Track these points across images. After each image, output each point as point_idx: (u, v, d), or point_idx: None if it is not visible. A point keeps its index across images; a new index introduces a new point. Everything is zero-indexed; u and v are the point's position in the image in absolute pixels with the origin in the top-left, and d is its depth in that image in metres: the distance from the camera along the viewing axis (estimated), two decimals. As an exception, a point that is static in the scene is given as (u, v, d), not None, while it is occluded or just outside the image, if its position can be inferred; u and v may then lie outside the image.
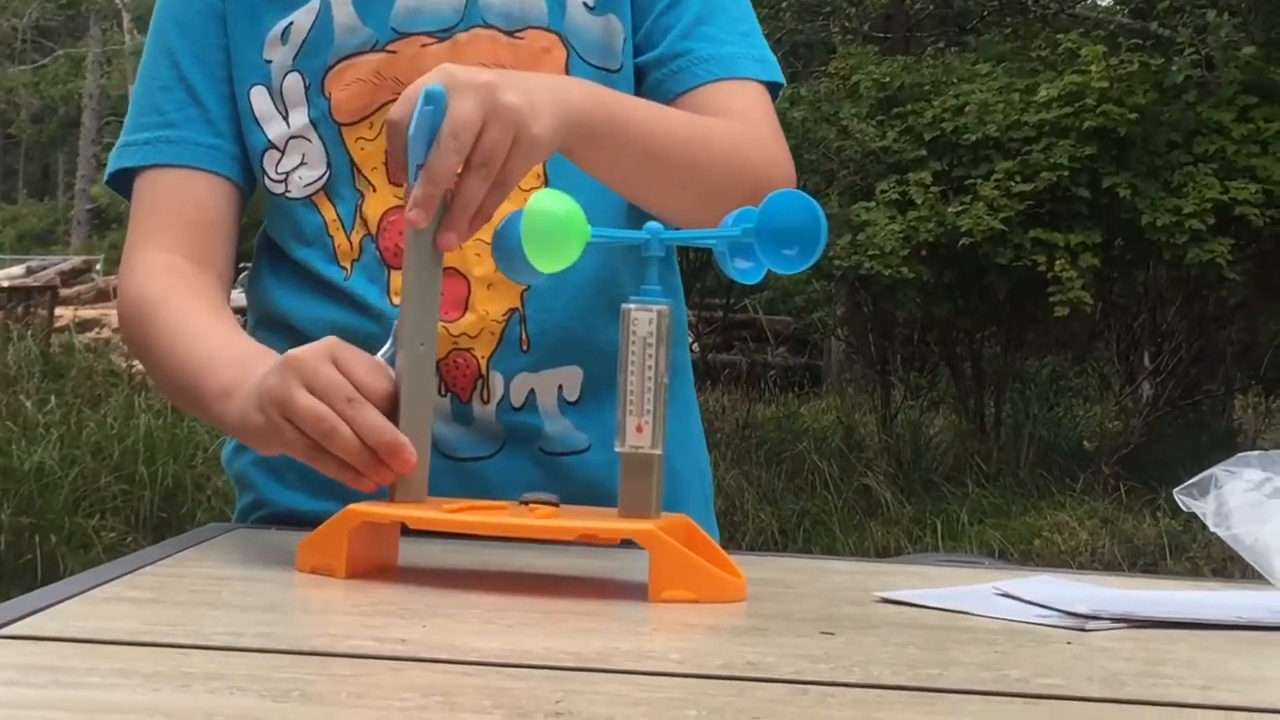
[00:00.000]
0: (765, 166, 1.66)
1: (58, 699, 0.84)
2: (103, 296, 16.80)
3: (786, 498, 9.79)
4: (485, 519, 1.30)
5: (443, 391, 1.62)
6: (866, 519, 9.45)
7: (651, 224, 1.31)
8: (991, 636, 1.16)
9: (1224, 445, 10.24)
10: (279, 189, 1.69)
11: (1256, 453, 1.27)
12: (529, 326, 1.63)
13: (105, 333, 14.30)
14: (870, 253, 9.88)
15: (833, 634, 1.13)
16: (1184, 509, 1.26)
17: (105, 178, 1.77)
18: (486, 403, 1.63)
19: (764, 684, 0.96)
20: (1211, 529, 1.26)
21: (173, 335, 1.61)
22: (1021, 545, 8.78)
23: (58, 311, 14.64)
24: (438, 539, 1.40)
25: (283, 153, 1.69)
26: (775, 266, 1.27)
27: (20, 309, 14.02)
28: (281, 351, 1.64)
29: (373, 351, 1.40)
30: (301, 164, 1.68)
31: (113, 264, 20.44)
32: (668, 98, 1.68)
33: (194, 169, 1.70)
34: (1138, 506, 9.44)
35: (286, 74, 1.68)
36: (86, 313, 15.37)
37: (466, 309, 1.62)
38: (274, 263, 1.74)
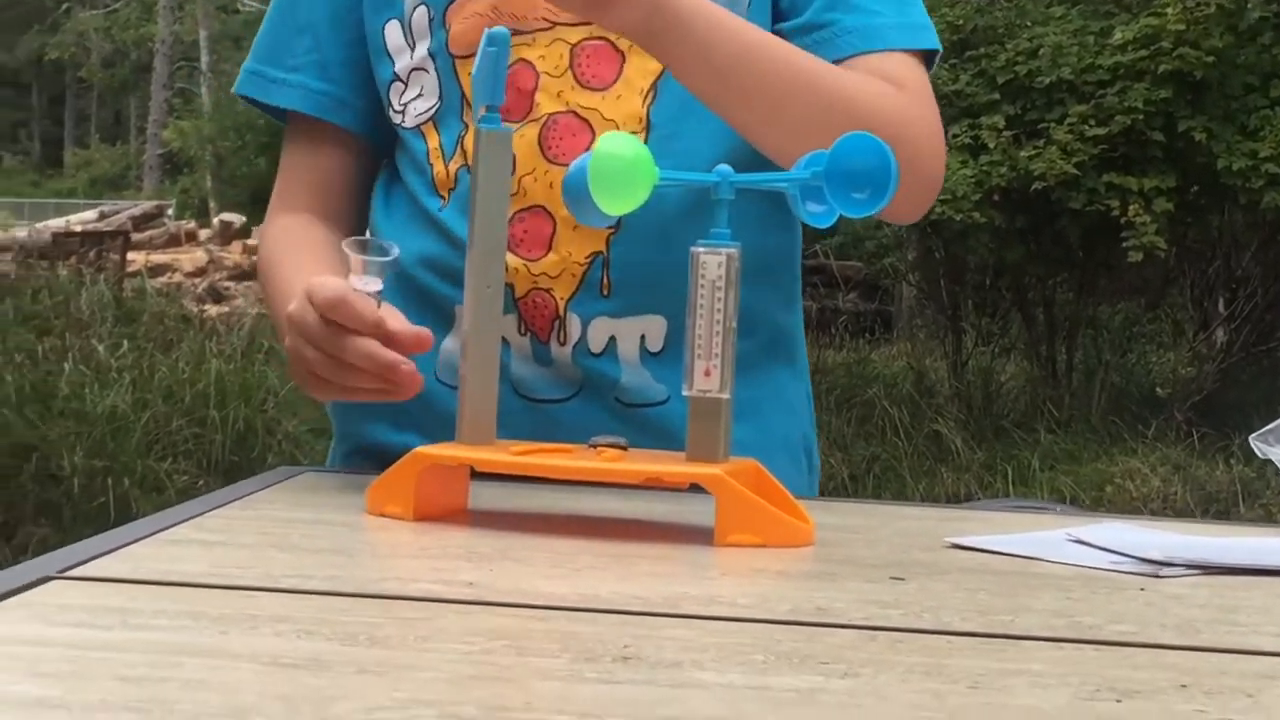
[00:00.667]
0: (901, 125, 1.57)
1: (126, 640, 0.84)
2: (174, 241, 16.91)
3: (857, 443, 9.79)
4: (552, 461, 1.30)
5: (522, 330, 1.63)
6: (937, 465, 9.43)
7: (721, 167, 1.30)
8: (1064, 583, 1.15)
9: (1299, 391, 10.17)
10: (397, 119, 1.73)
11: (1335, 398, 1.25)
12: (611, 271, 1.62)
13: (177, 277, 14.39)
14: (942, 197, 9.83)
15: (903, 580, 1.12)
16: (1259, 455, 1.25)
17: (235, 88, 1.85)
18: (563, 344, 1.63)
19: (833, 629, 0.95)
20: (1288, 476, 1.24)
21: (279, 300, 1.64)
22: (1093, 492, 8.75)
23: (130, 256, 14.75)
24: (507, 482, 1.40)
25: (405, 84, 1.72)
26: (845, 210, 1.25)
27: (93, 253, 14.14)
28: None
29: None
30: (419, 95, 1.71)
31: (184, 208, 20.51)
32: None
33: (315, 119, 1.78)
34: (1210, 453, 9.39)
35: (416, 7, 1.71)
36: (158, 257, 15.48)
37: (550, 249, 1.62)
38: (387, 192, 1.77)
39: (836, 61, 1.61)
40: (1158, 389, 11.18)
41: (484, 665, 0.82)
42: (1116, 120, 9.68)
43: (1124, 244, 9.64)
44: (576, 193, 1.27)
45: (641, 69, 1.63)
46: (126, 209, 19.46)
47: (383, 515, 1.28)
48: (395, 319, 1.38)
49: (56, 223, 18.35)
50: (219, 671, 0.78)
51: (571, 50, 1.64)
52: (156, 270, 14.52)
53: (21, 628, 0.86)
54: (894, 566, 1.18)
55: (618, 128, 1.60)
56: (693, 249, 1.27)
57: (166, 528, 1.19)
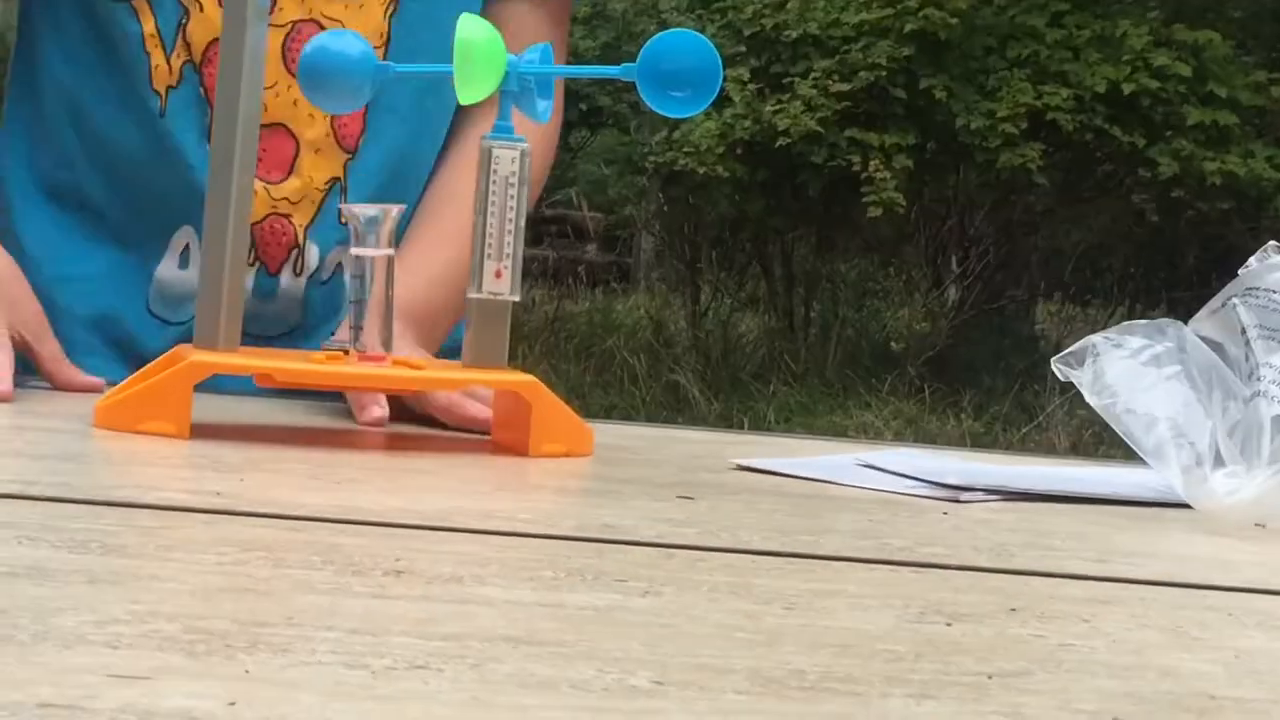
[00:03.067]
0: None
1: None
2: None
3: (595, 392, 9.73)
4: (355, 370, 1.17)
5: (251, 259, 1.49)
6: (674, 415, 9.41)
7: (509, 57, 1.19)
8: (864, 506, 1.07)
9: (1026, 349, 10.37)
10: None
11: (1143, 322, 1.19)
12: (349, 199, 1.51)
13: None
14: (686, 150, 9.81)
15: (692, 499, 1.04)
16: (1061, 378, 1.18)
17: None
18: (298, 275, 1.51)
19: (625, 546, 0.86)
20: (1087, 399, 1.18)
21: None
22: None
23: None
24: (248, 397, 1.29)
25: None
26: (663, 109, 1.15)
27: None
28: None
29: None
30: None
31: None
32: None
33: None
34: (941, 408, 9.51)
35: None
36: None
37: (291, 172, 1.49)
38: (80, 70, 1.53)
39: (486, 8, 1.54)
40: (892, 344, 11.30)
41: (238, 577, 0.71)
42: (860, 76, 9.72)
43: (864, 199, 9.71)
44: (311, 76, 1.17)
45: None
46: None
47: (141, 433, 1.12)
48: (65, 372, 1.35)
49: None
50: (-78, 579, 0.66)
51: None
52: None
53: None
54: (680, 486, 1.09)
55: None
56: (484, 142, 1.17)
57: None
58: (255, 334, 1.48)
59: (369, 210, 1.18)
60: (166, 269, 1.52)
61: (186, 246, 1.51)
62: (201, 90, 1.49)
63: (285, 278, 1.51)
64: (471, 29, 1.15)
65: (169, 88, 1.50)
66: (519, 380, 1.16)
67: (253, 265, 1.50)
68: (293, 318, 1.53)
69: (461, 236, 1.48)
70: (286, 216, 1.50)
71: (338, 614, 0.66)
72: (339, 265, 1.52)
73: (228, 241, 1.17)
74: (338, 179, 1.51)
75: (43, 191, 1.56)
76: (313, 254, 1.51)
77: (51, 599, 0.64)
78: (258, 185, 1.47)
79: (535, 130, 1.55)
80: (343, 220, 1.41)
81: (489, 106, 1.28)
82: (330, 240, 1.52)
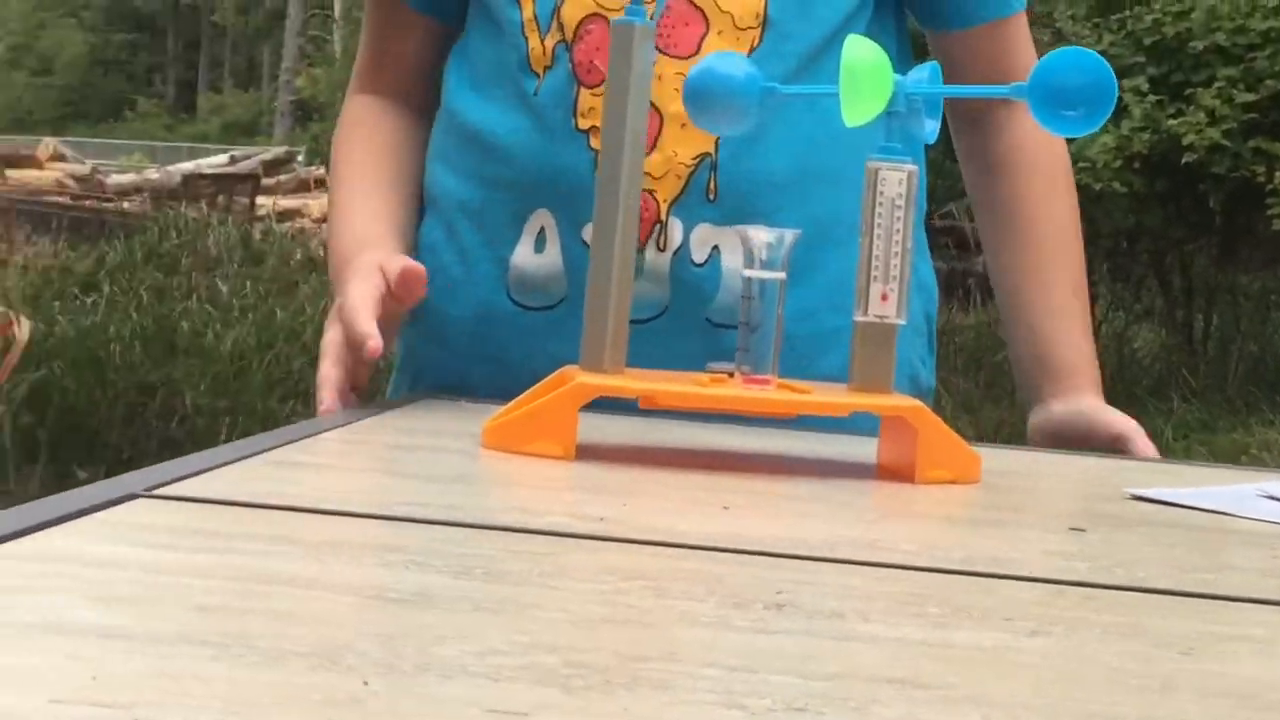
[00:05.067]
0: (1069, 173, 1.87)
1: (210, 565, 0.73)
2: (303, 186, 16.93)
3: (985, 406, 9.60)
4: (738, 393, 1.17)
5: None
6: (1067, 431, 9.23)
7: (896, 77, 1.18)
8: (1268, 540, 1.02)
9: None
10: None
11: None
12: (719, 175, 1.50)
13: (304, 223, 14.38)
14: (1081, 164, 9.60)
15: (1084, 530, 1.00)
16: None
17: None
18: (662, 251, 1.50)
19: (1013, 581, 0.83)
20: None
21: (334, 218, 1.64)
22: (1228, 463, 8.53)
23: (258, 200, 14.77)
24: (625, 416, 1.29)
25: None
26: (1055, 129, 1.13)
27: (222, 197, 14.16)
28: (472, 171, 1.57)
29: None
30: None
31: (314, 155, 20.54)
32: (941, 29, 1.67)
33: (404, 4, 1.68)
34: (1350, 426, 9.13)
35: None
36: (286, 202, 15.49)
37: (654, 148, 1.49)
38: (468, 62, 1.62)
39: (974, 25, 1.66)
40: (1297, 360, 10.90)
41: (619, 607, 0.71)
42: (1266, 85, 9.38)
43: (1268, 211, 9.37)
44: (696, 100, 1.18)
45: None
46: (257, 155, 19.50)
47: (528, 454, 1.13)
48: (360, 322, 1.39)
49: (188, 166, 18.38)
50: (312, 603, 0.67)
51: None
52: (284, 215, 14.48)
53: (95, 548, 0.75)
54: (1071, 516, 1.06)
55: (733, 21, 1.49)
56: (870, 163, 1.16)
57: (271, 448, 1.09)
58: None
59: (764, 235, 1.18)
60: (522, 254, 1.53)
61: (541, 229, 1.53)
62: (571, 66, 1.51)
63: (649, 253, 1.50)
64: (858, 51, 1.14)
65: (546, 68, 1.52)
66: (905, 405, 1.14)
67: None
68: (660, 299, 1.51)
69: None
70: (650, 192, 1.49)
71: (718, 649, 0.65)
72: (715, 248, 1.51)
73: (613, 266, 1.18)
74: (708, 155, 1.50)
75: (437, 205, 1.63)
76: (676, 230, 1.50)
77: (435, 627, 0.65)
78: None
79: None
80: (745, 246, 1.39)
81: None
82: (695, 218, 1.50)
